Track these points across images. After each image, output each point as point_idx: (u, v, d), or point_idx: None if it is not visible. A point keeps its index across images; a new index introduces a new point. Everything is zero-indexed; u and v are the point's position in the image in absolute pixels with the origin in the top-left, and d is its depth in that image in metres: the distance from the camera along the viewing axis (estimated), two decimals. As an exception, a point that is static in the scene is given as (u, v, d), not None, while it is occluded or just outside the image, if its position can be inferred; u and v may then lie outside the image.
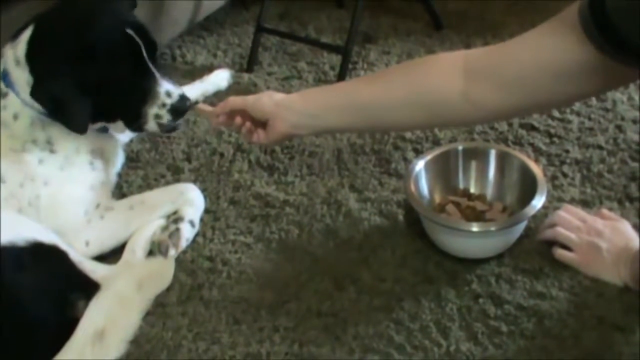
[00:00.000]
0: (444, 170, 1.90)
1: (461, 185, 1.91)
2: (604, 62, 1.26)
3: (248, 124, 1.71)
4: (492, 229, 1.73)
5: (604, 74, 1.30)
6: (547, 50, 1.34)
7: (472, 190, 1.91)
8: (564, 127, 2.21)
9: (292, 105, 1.65)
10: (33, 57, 1.81)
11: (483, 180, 1.90)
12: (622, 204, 1.93)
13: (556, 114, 2.26)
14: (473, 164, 1.90)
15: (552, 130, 2.19)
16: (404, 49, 2.66)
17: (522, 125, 2.21)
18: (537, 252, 1.81)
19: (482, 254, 1.78)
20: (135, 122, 1.90)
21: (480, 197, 1.89)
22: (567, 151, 2.12)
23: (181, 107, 1.88)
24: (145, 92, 1.86)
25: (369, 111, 1.58)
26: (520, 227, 1.78)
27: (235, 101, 1.74)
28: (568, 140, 2.16)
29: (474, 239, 1.75)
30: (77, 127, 1.82)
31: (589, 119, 2.24)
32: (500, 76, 1.41)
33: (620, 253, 1.66)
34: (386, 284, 1.76)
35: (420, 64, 1.61)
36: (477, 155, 1.90)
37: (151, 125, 1.90)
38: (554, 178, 2.02)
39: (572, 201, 1.94)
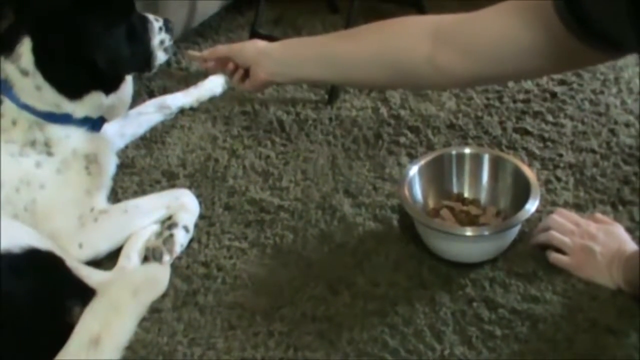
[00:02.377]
0: (437, 175, 1.90)
1: (455, 190, 1.92)
2: (572, 42, 1.27)
3: (241, 70, 1.80)
4: (486, 233, 1.74)
5: (570, 54, 1.31)
6: (517, 26, 1.36)
7: (466, 194, 1.91)
8: (557, 131, 2.21)
9: (272, 53, 1.73)
10: (48, 61, 1.89)
11: (477, 184, 1.91)
12: (615, 208, 1.94)
13: (550, 118, 2.27)
14: (467, 169, 1.91)
15: (546, 135, 2.20)
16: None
17: (515, 130, 2.22)
18: (531, 256, 1.81)
19: (476, 258, 1.78)
20: (148, 60, 2.07)
21: (474, 202, 1.89)
22: (561, 155, 2.12)
23: (170, 24, 2.10)
24: (147, 27, 2.04)
25: (339, 66, 1.65)
26: (514, 231, 1.78)
27: (222, 49, 1.86)
28: (561, 144, 2.17)
29: (467, 244, 1.76)
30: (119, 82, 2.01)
31: (583, 123, 2.25)
32: (467, 44, 1.44)
33: (614, 256, 1.67)
34: (380, 288, 1.77)
35: (392, 25, 1.65)
36: (471, 159, 1.91)
37: (160, 56, 2.08)
38: (547, 182, 2.03)
39: (566, 205, 1.95)
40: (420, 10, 2.74)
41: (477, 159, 1.91)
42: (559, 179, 2.04)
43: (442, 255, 1.80)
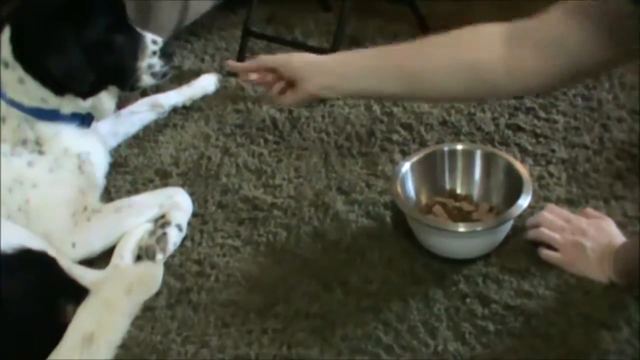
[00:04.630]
0: (430, 171, 1.90)
1: (448, 186, 1.92)
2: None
3: (282, 82, 1.71)
4: (479, 229, 1.74)
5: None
6: (592, 11, 1.34)
7: (459, 191, 1.92)
8: (550, 127, 2.22)
9: (323, 66, 1.65)
10: (24, 52, 1.87)
11: (469, 180, 1.91)
12: (608, 203, 1.94)
13: (542, 114, 2.27)
14: (459, 165, 1.91)
15: (538, 130, 2.20)
16: (390, 51, 2.65)
17: (508, 126, 2.22)
18: (524, 251, 1.82)
19: (469, 254, 1.78)
20: (130, 80, 2.00)
21: (467, 198, 1.90)
22: (554, 151, 2.13)
23: (169, 50, 2.02)
24: (136, 46, 1.97)
25: (408, 79, 1.58)
26: (507, 227, 1.78)
27: (266, 59, 1.75)
28: (554, 140, 2.17)
29: (460, 240, 1.76)
30: (86, 91, 1.94)
31: (575, 118, 2.25)
32: (540, 39, 1.42)
33: (604, 251, 1.67)
34: (374, 285, 1.77)
35: (462, 33, 1.59)
36: (463, 156, 1.91)
37: (146, 79, 2.01)
38: (540, 178, 2.03)
39: (558, 200, 1.95)
40: (413, 7, 2.73)
41: (469, 155, 1.91)
42: (551, 175, 2.04)
43: (435, 251, 1.81)
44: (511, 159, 1.88)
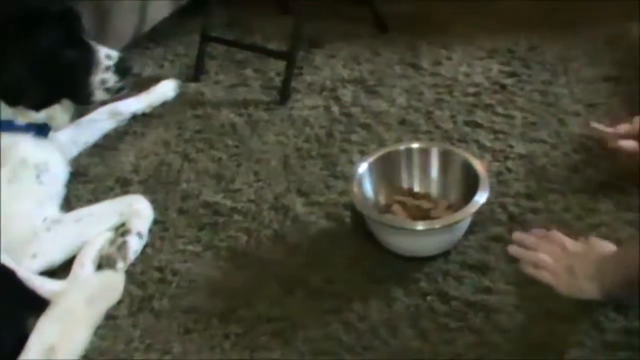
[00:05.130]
0: (388, 170, 1.91)
1: (406, 185, 1.93)
2: None
3: None
4: (437, 226, 1.75)
5: None
6: None
7: (417, 189, 1.93)
8: (508, 123, 2.23)
9: None
10: None
11: (427, 179, 1.93)
12: (565, 196, 1.96)
13: (500, 110, 2.30)
14: (416, 164, 1.93)
15: (497, 127, 2.22)
16: (350, 52, 2.68)
17: (466, 123, 2.24)
18: (483, 247, 1.83)
19: (429, 252, 1.79)
20: (82, 94, 2.00)
21: (426, 196, 1.91)
22: (512, 146, 2.14)
23: (125, 65, 2.01)
24: (88, 61, 1.96)
25: None
26: (465, 224, 1.79)
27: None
28: (512, 135, 2.19)
29: (419, 238, 1.77)
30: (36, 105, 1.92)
31: (533, 114, 2.27)
32: None
33: (598, 267, 1.61)
34: (335, 286, 1.77)
35: None
36: (420, 154, 1.93)
37: (99, 94, 2.01)
38: (499, 174, 2.05)
39: (517, 195, 1.97)
40: (373, 9, 2.74)
41: (425, 154, 1.93)
42: (510, 170, 2.06)
43: (395, 250, 1.81)
44: (467, 156, 1.89)
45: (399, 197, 1.90)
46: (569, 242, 1.70)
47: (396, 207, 1.87)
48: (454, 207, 1.85)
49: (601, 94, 2.35)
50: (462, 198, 1.84)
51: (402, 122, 2.27)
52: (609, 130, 1.57)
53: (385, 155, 1.92)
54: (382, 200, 1.90)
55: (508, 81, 2.42)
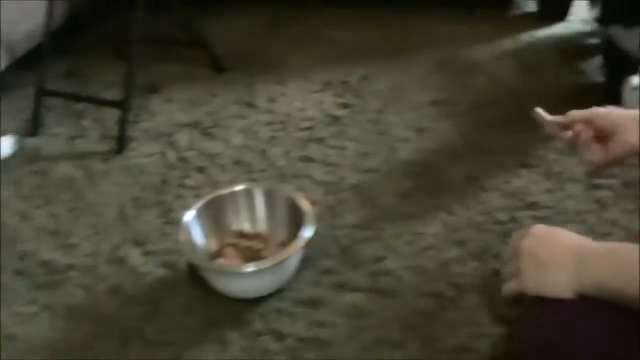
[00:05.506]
0: (217, 215, 1.93)
1: (237, 227, 1.94)
2: None
3: (591, 132, 1.47)
4: (266, 266, 1.76)
5: None
6: None
7: (248, 230, 1.94)
8: (340, 155, 2.28)
9: None
10: None
11: (255, 218, 1.94)
12: (395, 223, 2.01)
13: (333, 142, 2.33)
14: (243, 205, 1.94)
15: (329, 159, 2.26)
16: (188, 95, 2.68)
17: (300, 158, 2.27)
18: (315, 282, 1.85)
19: (262, 292, 1.81)
20: None
21: (257, 236, 1.92)
22: (344, 178, 2.18)
23: None
24: None
25: None
26: (294, 261, 1.82)
27: (579, 112, 1.59)
28: (344, 167, 2.23)
29: (250, 279, 1.78)
30: None
31: (365, 143, 2.32)
32: None
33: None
34: (170, 335, 1.77)
35: None
36: (245, 195, 1.95)
37: None
38: (331, 206, 2.07)
39: (349, 226, 2.01)
40: (208, 50, 2.76)
41: (250, 195, 1.95)
42: (342, 202, 2.09)
43: (228, 294, 1.82)
44: (291, 192, 1.92)
45: (231, 240, 1.91)
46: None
47: (228, 250, 1.88)
48: (285, 245, 1.87)
49: (429, 118, 2.42)
50: (291, 235, 1.86)
51: (237, 162, 2.29)
52: (549, 117, 1.61)
53: (215, 199, 1.93)
54: (214, 244, 1.90)
55: (341, 113, 2.46)
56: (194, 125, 2.49)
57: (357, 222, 2.03)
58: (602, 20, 2.48)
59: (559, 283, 1.16)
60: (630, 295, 1.07)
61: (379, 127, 2.39)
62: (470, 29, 2.93)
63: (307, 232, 1.80)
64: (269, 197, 1.93)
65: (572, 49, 2.77)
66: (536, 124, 2.33)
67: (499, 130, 2.36)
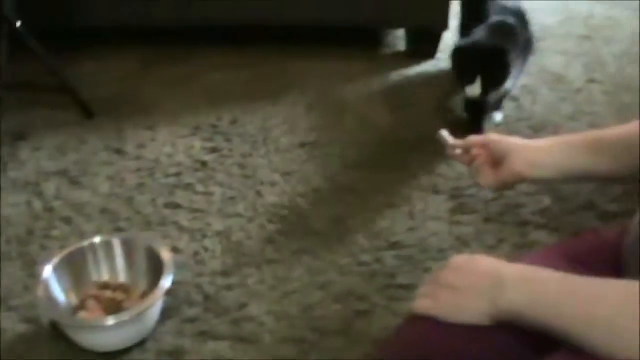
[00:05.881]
0: (76, 268, 1.91)
1: (98, 278, 1.93)
2: None
3: (483, 157, 1.54)
4: (126, 318, 1.75)
5: None
6: None
7: (109, 280, 1.93)
8: (206, 200, 2.28)
9: (535, 144, 1.51)
10: None
11: (115, 269, 1.94)
12: (259, 268, 2.03)
13: (200, 188, 2.34)
14: (102, 256, 1.94)
15: (195, 205, 2.26)
16: (56, 142, 2.65)
17: (166, 205, 2.27)
18: (178, 331, 1.86)
19: (124, 344, 1.81)
20: None
21: (120, 287, 1.92)
22: (209, 224, 2.19)
23: None
24: None
25: (622, 149, 1.42)
26: (156, 310, 1.82)
27: (476, 137, 1.60)
28: (210, 213, 2.24)
29: (111, 332, 1.78)
30: None
31: (231, 188, 2.33)
32: None
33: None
34: (27, 393, 1.74)
35: None
36: (106, 246, 1.94)
37: None
38: (196, 253, 2.09)
39: (213, 273, 2.01)
40: (75, 94, 2.73)
41: (109, 245, 1.94)
42: (206, 249, 2.10)
43: (91, 348, 1.81)
44: (150, 241, 1.93)
45: (93, 292, 1.90)
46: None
47: (90, 303, 1.86)
48: (147, 295, 1.86)
49: (297, 161, 2.44)
50: (153, 284, 1.86)
51: (104, 211, 2.27)
52: (451, 140, 1.66)
53: (71, 253, 1.91)
54: (75, 297, 1.89)
55: (209, 157, 2.47)
56: (61, 173, 2.46)
57: (221, 268, 2.04)
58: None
59: (475, 309, 1.15)
60: (546, 324, 1.08)
61: (246, 170, 2.40)
62: (340, 69, 2.97)
63: (167, 282, 1.79)
64: (128, 247, 1.93)
65: (442, 86, 2.83)
66: (401, 165, 2.41)
67: (366, 171, 2.41)
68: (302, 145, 2.52)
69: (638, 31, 3.28)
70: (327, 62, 3.02)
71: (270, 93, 2.83)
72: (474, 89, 2.39)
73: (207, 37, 3.14)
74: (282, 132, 2.60)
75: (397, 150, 2.51)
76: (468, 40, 2.47)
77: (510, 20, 2.54)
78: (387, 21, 3.13)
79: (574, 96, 2.84)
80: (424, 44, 3.15)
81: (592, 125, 2.62)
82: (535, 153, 1.47)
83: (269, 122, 2.66)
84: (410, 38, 3.15)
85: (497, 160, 1.51)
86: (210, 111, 2.73)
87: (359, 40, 3.18)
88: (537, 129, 2.59)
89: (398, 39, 3.22)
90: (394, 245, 2.11)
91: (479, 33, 2.46)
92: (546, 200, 2.24)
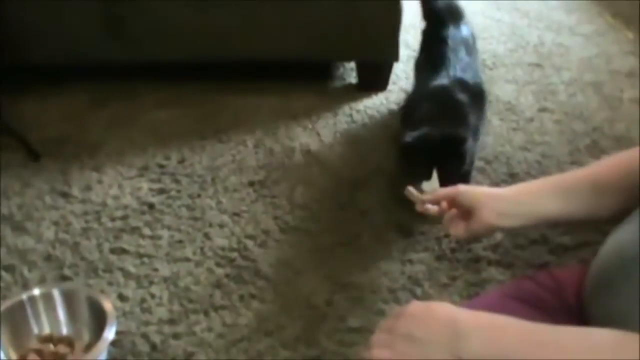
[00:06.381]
0: (15, 322, 1.85)
1: (40, 331, 1.88)
2: None
3: (454, 210, 1.55)
4: (67, 374, 1.70)
5: None
6: None
7: (52, 334, 1.87)
8: (154, 245, 2.24)
9: (502, 194, 1.51)
10: None
11: (57, 322, 1.88)
12: (207, 315, 1.98)
13: (147, 232, 2.29)
14: (42, 308, 1.88)
15: (142, 250, 2.22)
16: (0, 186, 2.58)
17: (112, 251, 2.22)
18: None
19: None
20: None
21: (64, 340, 1.86)
22: (157, 270, 2.14)
23: None
24: None
25: (591, 192, 1.44)
26: (102, 364, 1.76)
27: (445, 191, 1.58)
28: (158, 258, 2.19)
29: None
30: None
31: (179, 231, 2.29)
32: None
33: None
34: None
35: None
36: (46, 298, 1.88)
37: None
38: (142, 301, 2.04)
39: (160, 321, 1.96)
40: (19, 136, 2.68)
41: (49, 297, 1.89)
42: (153, 296, 2.06)
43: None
44: (91, 292, 1.88)
45: (36, 346, 1.84)
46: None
47: (33, 357, 1.80)
48: (91, 347, 1.81)
49: (246, 201, 2.41)
50: (97, 336, 1.80)
51: (48, 258, 2.22)
52: (419, 196, 1.64)
53: (10, 308, 1.85)
54: (15, 353, 1.83)
55: (156, 199, 2.42)
56: (5, 219, 2.40)
57: (168, 316, 1.99)
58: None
59: (433, 358, 1.12)
60: None
61: (194, 212, 2.36)
62: (290, 104, 2.95)
63: (110, 333, 1.74)
64: (69, 298, 1.88)
65: (394, 119, 2.80)
66: (351, 202, 2.38)
67: (315, 210, 2.37)
68: (251, 184, 2.49)
69: (587, 58, 3.29)
70: (276, 98, 2.99)
71: (218, 131, 2.79)
72: (431, 185, 2.12)
73: (152, 74, 3.09)
74: (230, 171, 2.56)
75: (347, 187, 2.48)
76: (416, 133, 2.18)
77: (446, 82, 2.40)
78: (337, 55, 3.11)
79: (525, 126, 2.82)
80: (375, 76, 3.12)
81: (545, 156, 2.61)
82: (503, 204, 1.47)
83: (218, 160, 2.62)
84: (361, 71, 3.13)
85: (466, 211, 1.50)
86: (158, 150, 2.68)
87: (309, 74, 3.15)
88: (488, 161, 2.57)
89: (349, 71, 3.19)
90: (345, 287, 2.08)
91: (421, 111, 2.30)
92: (498, 236, 2.22)
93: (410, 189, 1.67)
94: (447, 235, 2.22)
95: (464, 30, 2.67)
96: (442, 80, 2.40)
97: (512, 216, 1.47)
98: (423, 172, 2.13)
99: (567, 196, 1.44)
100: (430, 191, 1.98)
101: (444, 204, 1.57)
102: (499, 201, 1.48)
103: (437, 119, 2.23)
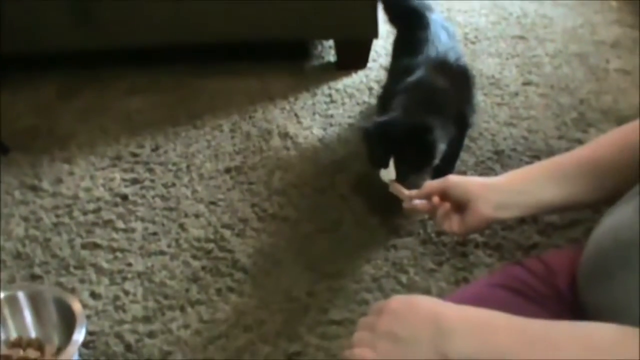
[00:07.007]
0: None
1: (8, 336, 1.79)
2: None
3: (447, 204, 1.45)
4: (38, 380, 1.62)
5: None
6: None
7: (21, 337, 1.79)
8: (127, 238, 2.15)
9: (497, 184, 1.43)
10: None
11: (25, 325, 1.80)
12: (183, 311, 1.90)
13: (120, 224, 2.20)
14: (8, 312, 1.80)
15: (115, 244, 2.13)
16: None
17: (84, 246, 2.14)
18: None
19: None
20: None
21: (32, 343, 1.78)
22: (130, 264, 2.06)
23: None
24: None
25: (591, 174, 1.36)
26: (73, 368, 1.68)
27: (434, 184, 1.48)
28: (131, 252, 2.11)
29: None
30: None
31: (153, 222, 2.20)
32: None
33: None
34: None
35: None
36: (11, 301, 1.80)
37: None
38: (116, 298, 1.96)
39: (135, 320, 1.88)
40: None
41: (14, 300, 1.80)
42: (127, 293, 1.98)
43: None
44: (59, 292, 1.80)
45: (6, 351, 1.76)
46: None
47: (1, 363, 1.72)
48: (62, 350, 1.73)
49: (222, 189, 2.32)
50: (67, 339, 1.72)
51: (18, 256, 2.13)
52: (406, 192, 1.54)
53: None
54: (-17, 360, 1.75)
55: (130, 190, 2.34)
56: (-27, 216, 2.31)
57: (143, 314, 1.92)
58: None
59: (418, 358, 1.05)
60: None
61: (169, 202, 2.27)
62: (266, 86, 2.85)
63: (80, 335, 1.67)
64: (35, 300, 1.79)
65: (373, 97, 2.72)
66: (330, 186, 2.29)
67: (294, 196, 2.29)
68: (228, 170, 2.40)
69: (571, 28, 3.20)
70: (253, 79, 2.89)
71: (192, 116, 2.69)
72: (388, 174, 1.96)
73: (122, 61, 2.98)
74: (206, 157, 2.47)
75: (327, 171, 2.39)
76: (377, 119, 2.09)
77: (424, 70, 2.25)
78: (314, 33, 3.01)
79: (510, 100, 2.74)
80: (354, 54, 3.03)
81: (531, 131, 2.54)
82: (500, 194, 1.39)
83: (193, 147, 2.53)
84: (340, 49, 3.03)
85: (459, 204, 1.43)
86: (131, 139, 2.58)
87: (286, 53, 3.05)
88: (473, 138, 2.49)
89: (327, 50, 3.09)
90: (326, 277, 1.99)
91: (398, 102, 2.14)
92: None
93: (394, 184, 1.59)
94: (431, 218, 2.14)
95: (442, 20, 2.57)
96: (420, 66, 2.28)
97: (511, 207, 1.40)
98: (380, 160, 2.00)
99: (567, 181, 1.37)
100: (387, 181, 1.89)
101: (436, 199, 1.47)
102: (495, 192, 1.40)
103: (411, 108, 2.10)
